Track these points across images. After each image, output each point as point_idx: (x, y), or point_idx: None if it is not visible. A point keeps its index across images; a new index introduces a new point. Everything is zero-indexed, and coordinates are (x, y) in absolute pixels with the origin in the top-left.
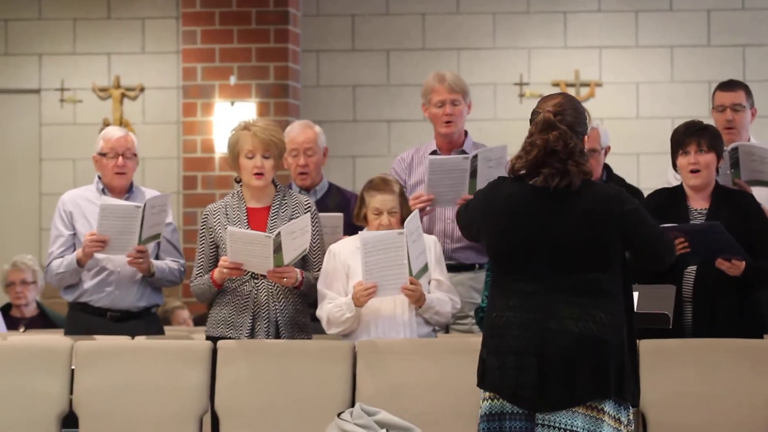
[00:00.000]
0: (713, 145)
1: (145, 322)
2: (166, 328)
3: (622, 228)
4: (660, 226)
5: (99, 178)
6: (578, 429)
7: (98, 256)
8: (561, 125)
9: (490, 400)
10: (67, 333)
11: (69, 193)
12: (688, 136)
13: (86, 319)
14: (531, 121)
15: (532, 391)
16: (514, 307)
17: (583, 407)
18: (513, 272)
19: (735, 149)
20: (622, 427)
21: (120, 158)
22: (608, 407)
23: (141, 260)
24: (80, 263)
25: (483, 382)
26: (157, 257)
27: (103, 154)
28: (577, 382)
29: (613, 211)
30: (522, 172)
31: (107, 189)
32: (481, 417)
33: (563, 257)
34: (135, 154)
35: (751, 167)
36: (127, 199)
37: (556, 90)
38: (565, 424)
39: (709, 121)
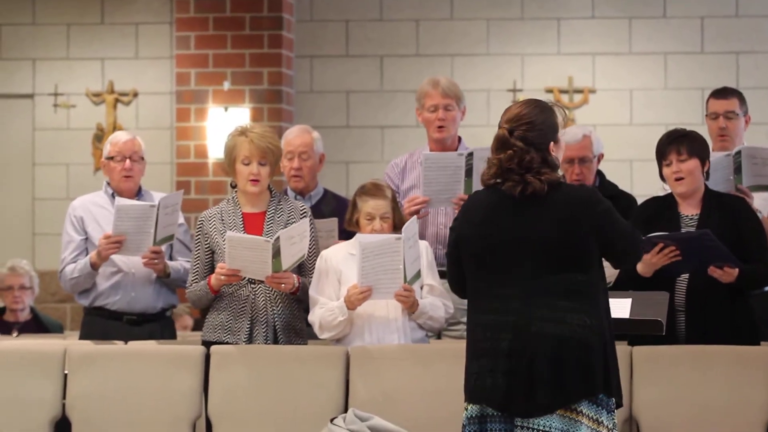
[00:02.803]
0: (694, 150)
1: (160, 325)
2: None
3: (596, 229)
4: (650, 235)
5: (108, 183)
6: (555, 431)
7: (113, 258)
8: (517, 142)
9: (472, 404)
10: (82, 338)
11: (79, 199)
12: (668, 146)
13: (102, 324)
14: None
15: (519, 396)
16: (495, 310)
17: (561, 409)
18: (492, 277)
19: (738, 153)
20: (602, 428)
21: (127, 161)
22: (586, 408)
23: (156, 261)
24: (94, 267)
25: (468, 393)
26: (170, 258)
27: (110, 158)
28: (564, 385)
29: (586, 212)
30: (491, 181)
31: (116, 193)
32: (468, 419)
33: (540, 259)
34: (142, 158)
35: (753, 171)
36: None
37: (550, 96)
38: (543, 426)
39: (702, 128)
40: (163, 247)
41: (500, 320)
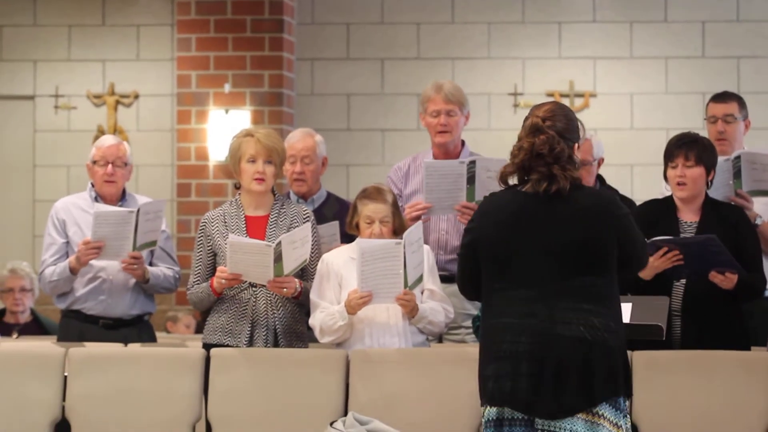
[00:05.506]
0: (701, 158)
1: (137, 329)
2: (163, 335)
3: (617, 233)
4: (654, 238)
5: (92, 185)
6: None
7: (92, 263)
8: (549, 130)
9: (491, 406)
10: (60, 340)
11: (62, 201)
12: (677, 149)
13: (78, 327)
14: (522, 127)
15: (545, 398)
16: (515, 314)
17: (584, 412)
18: (513, 279)
19: (737, 158)
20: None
21: (109, 166)
22: (607, 412)
23: (135, 266)
24: (73, 271)
25: (486, 396)
26: (150, 264)
27: (95, 162)
28: (590, 387)
29: (607, 213)
30: (511, 180)
31: (99, 197)
32: (486, 423)
33: (563, 262)
34: (126, 163)
35: (753, 176)
36: (119, 206)
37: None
38: (567, 429)
39: (703, 132)
40: (145, 253)
41: (522, 323)
